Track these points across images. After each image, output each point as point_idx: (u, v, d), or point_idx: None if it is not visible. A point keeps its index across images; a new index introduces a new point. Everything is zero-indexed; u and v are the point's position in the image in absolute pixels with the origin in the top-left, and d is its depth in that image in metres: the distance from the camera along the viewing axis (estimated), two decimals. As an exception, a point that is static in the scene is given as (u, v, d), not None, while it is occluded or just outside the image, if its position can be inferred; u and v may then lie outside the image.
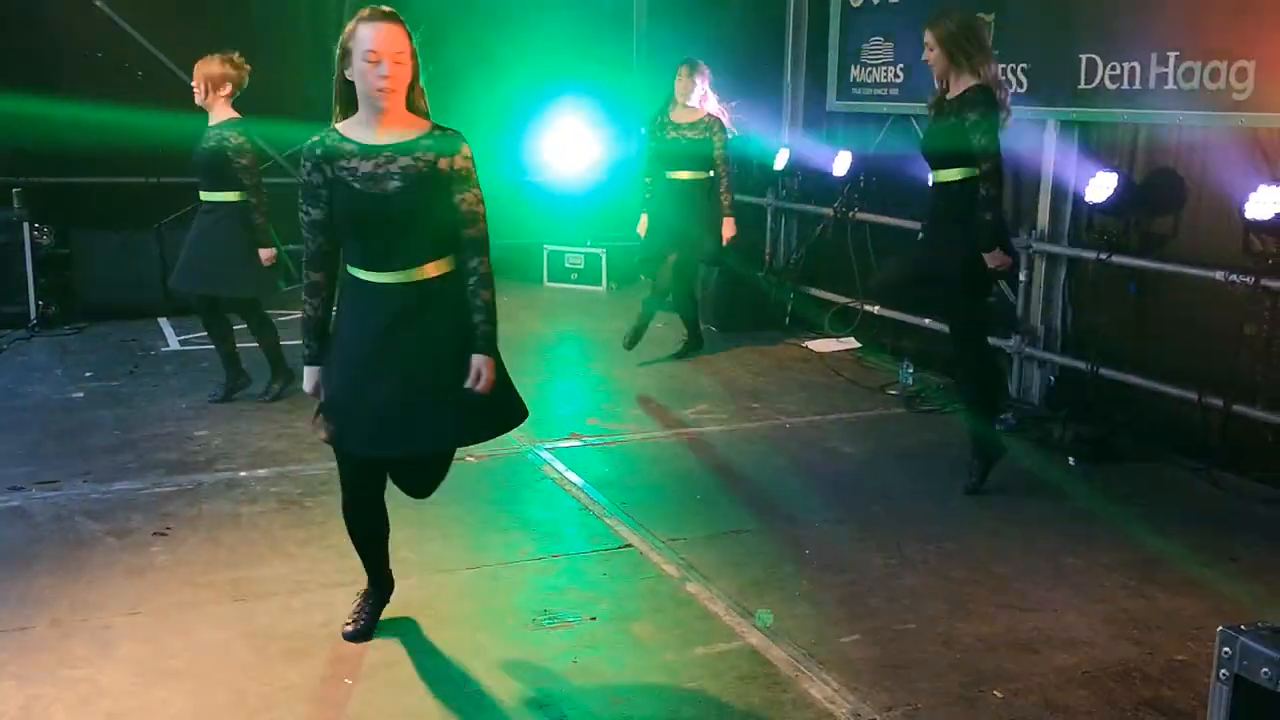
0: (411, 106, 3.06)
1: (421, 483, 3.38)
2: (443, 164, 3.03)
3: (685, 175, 6.53)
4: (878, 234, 7.22)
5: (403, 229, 3.03)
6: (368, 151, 3.02)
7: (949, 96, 4.48)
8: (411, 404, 3.07)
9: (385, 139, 3.03)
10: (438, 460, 3.33)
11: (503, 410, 3.24)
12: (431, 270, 3.08)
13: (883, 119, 7.17)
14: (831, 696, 3.12)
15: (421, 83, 3.07)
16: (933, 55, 4.47)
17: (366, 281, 3.08)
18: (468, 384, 3.07)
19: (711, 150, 6.48)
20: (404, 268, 3.05)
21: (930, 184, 4.66)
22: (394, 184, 3.00)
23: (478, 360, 3.08)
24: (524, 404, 3.32)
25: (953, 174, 4.47)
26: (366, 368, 3.08)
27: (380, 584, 3.50)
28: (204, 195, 5.68)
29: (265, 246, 5.59)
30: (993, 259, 4.44)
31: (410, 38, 3.00)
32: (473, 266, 3.10)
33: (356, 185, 3.01)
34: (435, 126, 3.09)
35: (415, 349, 3.08)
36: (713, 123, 6.47)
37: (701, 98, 6.49)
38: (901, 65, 6.87)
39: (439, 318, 3.09)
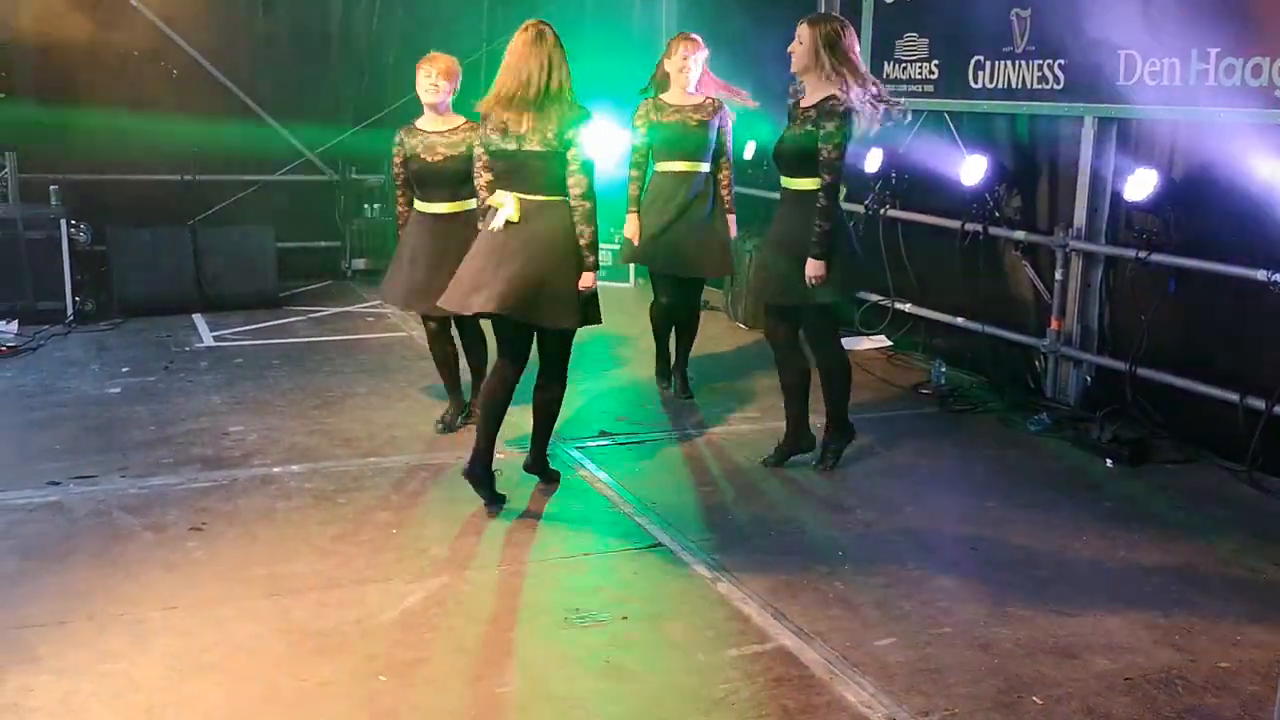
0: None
1: None
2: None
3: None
4: (909, 232, 7.17)
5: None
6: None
7: (805, 104, 4.58)
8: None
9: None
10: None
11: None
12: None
13: (916, 115, 7.10)
14: (867, 700, 3.09)
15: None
16: (800, 50, 4.53)
17: None
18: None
19: None
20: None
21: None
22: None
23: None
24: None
25: (806, 183, 4.54)
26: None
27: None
28: None
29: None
30: (814, 268, 4.54)
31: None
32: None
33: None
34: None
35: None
36: None
37: None
38: (936, 61, 6.81)
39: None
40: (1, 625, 3.40)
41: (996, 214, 6.40)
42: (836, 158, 4.46)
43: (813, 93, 4.56)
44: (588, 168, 4.15)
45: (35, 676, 3.12)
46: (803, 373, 4.89)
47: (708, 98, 5.75)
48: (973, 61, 6.47)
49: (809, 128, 4.51)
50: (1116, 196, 5.68)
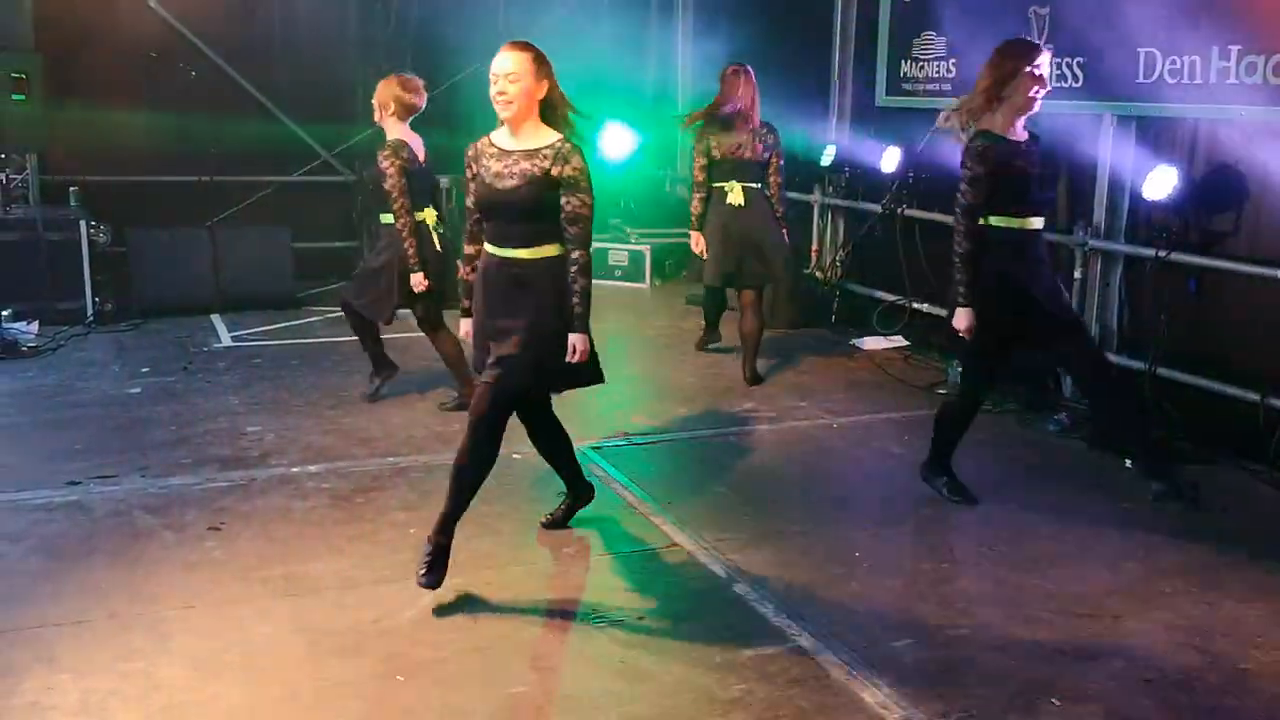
0: (543, 119, 3.68)
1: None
2: (555, 170, 3.63)
3: None
4: (926, 231, 7.14)
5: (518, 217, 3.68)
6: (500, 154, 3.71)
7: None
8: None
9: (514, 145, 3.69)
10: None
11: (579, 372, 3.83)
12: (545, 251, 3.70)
13: (933, 115, 7.06)
14: (884, 702, 3.08)
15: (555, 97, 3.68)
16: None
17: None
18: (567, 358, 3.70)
19: None
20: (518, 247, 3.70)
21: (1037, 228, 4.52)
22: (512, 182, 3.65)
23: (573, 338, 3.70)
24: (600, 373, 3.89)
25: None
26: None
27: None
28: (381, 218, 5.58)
29: (414, 270, 5.35)
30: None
31: (533, 61, 3.60)
32: (574, 257, 3.68)
33: (487, 179, 3.70)
34: (563, 139, 3.67)
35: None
36: None
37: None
38: (953, 60, 6.78)
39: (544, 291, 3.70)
40: (22, 624, 3.43)
41: (1014, 213, 6.35)
42: None
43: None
44: None
45: (55, 675, 3.14)
46: None
47: None
48: (990, 60, 6.42)
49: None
50: (1136, 195, 5.64)
